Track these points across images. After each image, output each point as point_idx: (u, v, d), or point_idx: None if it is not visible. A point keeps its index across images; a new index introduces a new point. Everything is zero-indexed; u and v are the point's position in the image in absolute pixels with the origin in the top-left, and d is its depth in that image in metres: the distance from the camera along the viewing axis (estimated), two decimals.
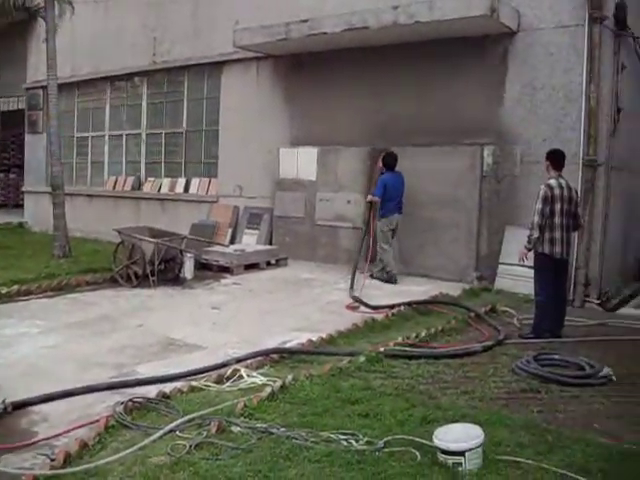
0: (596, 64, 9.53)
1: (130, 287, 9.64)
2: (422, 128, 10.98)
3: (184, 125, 14.81)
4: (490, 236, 10.42)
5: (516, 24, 10.11)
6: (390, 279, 10.18)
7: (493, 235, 10.40)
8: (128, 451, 4.01)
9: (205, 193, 14.31)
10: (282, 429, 4.32)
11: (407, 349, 6.49)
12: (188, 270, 10.32)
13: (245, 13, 13.12)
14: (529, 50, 10.12)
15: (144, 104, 15.64)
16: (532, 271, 7.82)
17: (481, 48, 10.47)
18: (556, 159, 7.59)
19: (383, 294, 9.33)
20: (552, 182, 7.36)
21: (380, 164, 10.47)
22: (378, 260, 10.33)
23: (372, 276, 10.21)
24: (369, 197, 10.41)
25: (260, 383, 5.36)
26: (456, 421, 4.49)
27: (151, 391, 5.12)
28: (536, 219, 7.25)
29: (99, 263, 10.95)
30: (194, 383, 5.33)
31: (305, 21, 11.25)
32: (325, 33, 10.94)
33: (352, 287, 9.54)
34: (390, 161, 10.30)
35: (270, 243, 12.66)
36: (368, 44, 11.24)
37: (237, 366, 5.70)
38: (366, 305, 8.54)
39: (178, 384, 5.31)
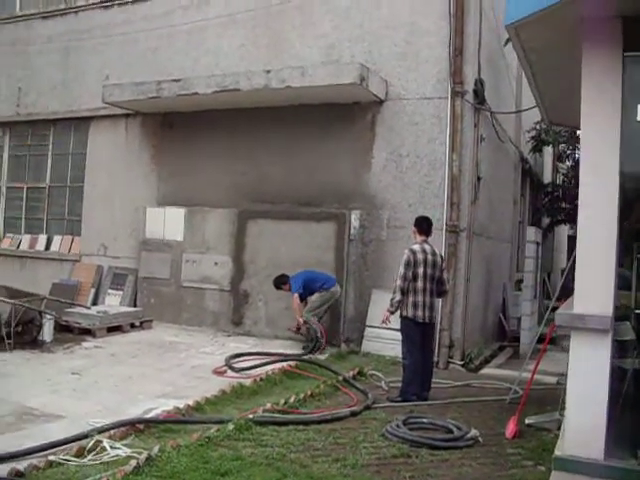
0: (458, 135, 9.99)
1: None
2: (291, 190, 11.07)
3: (48, 180, 14.25)
4: (357, 299, 10.52)
5: (384, 93, 10.45)
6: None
7: (360, 298, 10.51)
8: None
9: (67, 251, 13.71)
10: None
11: (276, 415, 6.34)
12: (47, 333, 9.76)
13: (116, 68, 12.95)
14: (396, 118, 10.47)
15: (5, 156, 14.92)
16: (398, 334, 7.94)
17: (351, 115, 10.74)
18: (421, 226, 7.81)
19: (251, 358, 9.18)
20: (415, 247, 7.56)
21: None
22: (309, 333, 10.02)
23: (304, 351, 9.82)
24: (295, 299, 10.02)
25: (124, 455, 5.02)
26: None
27: (2, 468, 4.62)
28: (398, 282, 7.40)
29: None
30: (52, 457, 4.88)
31: (177, 80, 11.18)
32: (197, 93, 10.89)
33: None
34: (280, 281, 10.30)
35: (134, 305, 12.23)
36: (240, 106, 11.28)
37: (99, 437, 5.30)
38: (233, 369, 8.37)
39: (34, 459, 4.83)
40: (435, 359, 9.48)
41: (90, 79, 13.32)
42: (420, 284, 7.45)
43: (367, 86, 9.91)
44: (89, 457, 5.03)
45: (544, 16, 4.92)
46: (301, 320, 9.97)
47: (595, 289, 4.85)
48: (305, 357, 9.23)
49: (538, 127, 15.04)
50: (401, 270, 7.41)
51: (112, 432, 5.54)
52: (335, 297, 10.15)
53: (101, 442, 5.24)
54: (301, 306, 10.03)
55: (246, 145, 11.56)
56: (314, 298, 10.06)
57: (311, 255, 10.61)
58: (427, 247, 7.59)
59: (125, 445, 5.29)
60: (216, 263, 11.54)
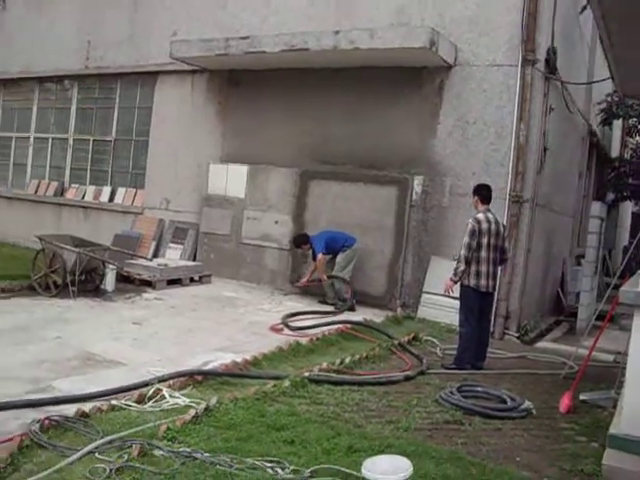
0: (527, 104, 9.80)
1: (48, 297, 9.25)
2: (355, 152, 11.05)
3: (113, 133, 14.50)
4: (415, 264, 10.52)
5: (453, 58, 10.29)
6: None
7: (418, 264, 10.50)
8: (44, 474, 3.77)
9: (131, 204, 14.00)
10: (206, 454, 4.16)
11: (332, 375, 6.45)
12: (109, 282, 10.06)
13: (184, 24, 13.03)
14: (464, 85, 10.30)
15: (73, 108, 15.25)
16: (455, 302, 7.95)
17: (419, 79, 10.61)
18: (483, 194, 7.73)
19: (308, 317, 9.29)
20: (480, 216, 7.50)
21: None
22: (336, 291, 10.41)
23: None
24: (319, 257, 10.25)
25: (183, 404, 5.18)
26: (382, 452, 4.46)
27: (69, 409, 4.84)
28: (463, 252, 7.36)
29: (16, 270, 10.46)
30: (114, 402, 5.09)
31: (245, 38, 11.18)
32: (264, 52, 10.88)
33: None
34: (300, 241, 10.54)
35: (194, 259, 12.47)
36: (307, 66, 11.26)
37: (159, 386, 5.48)
38: (290, 327, 8.50)
39: (98, 403, 5.03)
40: (491, 329, 9.46)
41: (158, 34, 13.43)
42: (484, 254, 7.41)
43: (436, 51, 9.76)
44: (149, 404, 5.21)
45: None
46: (325, 277, 10.21)
47: None
48: (360, 320, 9.26)
49: (609, 99, 14.64)
50: (466, 239, 7.36)
51: (171, 382, 5.72)
52: (357, 254, 10.34)
53: (161, 390, 5.41)
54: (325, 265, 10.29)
55: (311, 105, 11.54)
56: (339, 259, 10.25)
57: (372, 218, 10.66)
58: (490, 216, 7.53)
59: (183, 395, 5.45)
60: (276, 222, 11.64)
